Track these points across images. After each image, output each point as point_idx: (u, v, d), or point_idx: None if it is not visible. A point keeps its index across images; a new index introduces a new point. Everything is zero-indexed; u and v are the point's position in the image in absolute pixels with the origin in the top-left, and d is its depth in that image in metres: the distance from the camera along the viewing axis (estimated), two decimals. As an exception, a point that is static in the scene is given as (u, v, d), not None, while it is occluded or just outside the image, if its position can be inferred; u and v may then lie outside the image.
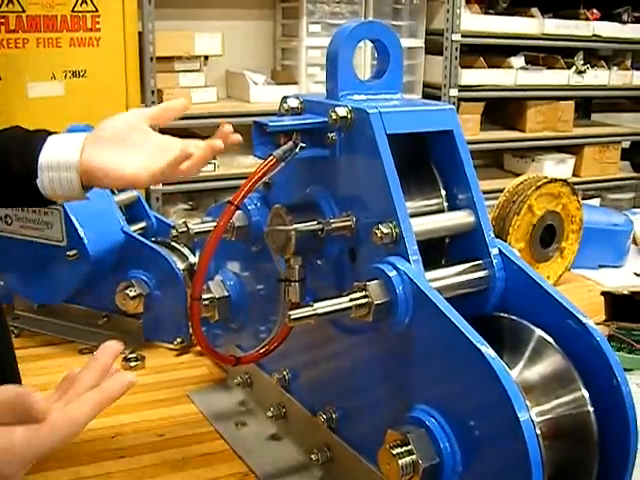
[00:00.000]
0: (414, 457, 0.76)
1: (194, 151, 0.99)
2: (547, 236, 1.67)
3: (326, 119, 0.88)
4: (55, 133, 1.02)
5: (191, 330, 1.35)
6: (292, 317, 0.79)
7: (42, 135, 1.01)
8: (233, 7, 3.81)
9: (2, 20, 2.80)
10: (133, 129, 1.02)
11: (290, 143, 0.89)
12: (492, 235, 0.90)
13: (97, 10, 2.96)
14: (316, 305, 0.81)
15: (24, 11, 2.84)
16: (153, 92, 3.25)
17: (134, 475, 1.04)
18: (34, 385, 1.28)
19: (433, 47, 4.05)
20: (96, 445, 1.11)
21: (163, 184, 3.34)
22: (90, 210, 1.38)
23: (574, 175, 4.44)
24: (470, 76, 4.08)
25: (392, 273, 0.81)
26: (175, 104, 1.08)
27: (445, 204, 0.93)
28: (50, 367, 1.36)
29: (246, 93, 3.64)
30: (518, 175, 1.86)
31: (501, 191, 1.66)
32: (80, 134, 1.00)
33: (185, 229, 1.08)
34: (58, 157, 0.97)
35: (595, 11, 4.39)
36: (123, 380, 0.71)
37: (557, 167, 4.37)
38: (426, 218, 0.89)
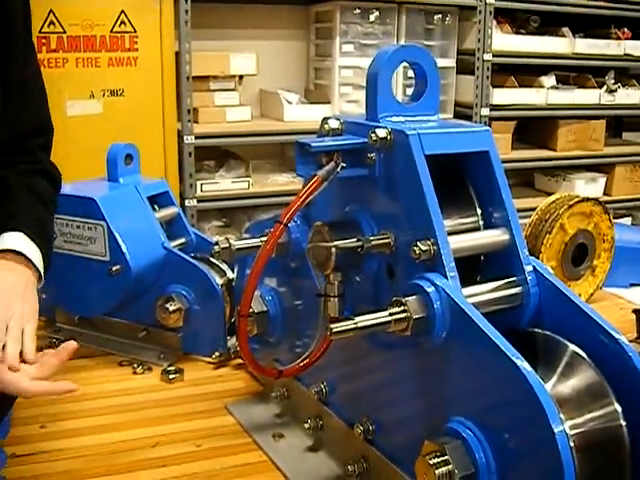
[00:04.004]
0: (450, 467, 0.78)
1: None
2: (579, 255, 1.68)
3: (366, 140, 0.91)
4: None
5: (237, 344, 1.39)
6: (334, 330, 0.82)
7: (20, 228, 1.13)
8: (267, 28, 3.86)
9: (44, 40, 2.87)
10: None
11: (332, 163, 0.92)
12: (527, 253, 0.92)
13: (135, 31, 3.02)
14: (357, 319, 0.83)
15: (65, 32, 2.91)
16: (189, 111, 3.30)
17: (174, 484, 1.06)
18: (71, 396, 1.31)
19: (464, 67, 4.07)
20: (137, 454, 1.14)
21: (198, 201, 3.39)
22: (132, 226, 1.42)
23: (605, 194, 4.43)
24: (501, 95, 4.09)
25: (430, 289, 0.83)
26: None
27: (481, 222, 0.95)
28: (90, 378, 1.39)
29: (280, 112, 3.68)
30: (549, 194, 1.87)
31: (532, 210, 1.67)
32: None
33: (227, 245, 1.11)
34: None
35: (626, 30, 4.39)
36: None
37: (588, 186, 4.36)
38: (462, 236, 0.91)
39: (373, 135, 0.90)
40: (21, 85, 1.17)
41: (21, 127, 1.19)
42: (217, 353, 1.43)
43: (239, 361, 1.43)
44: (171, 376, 1.37)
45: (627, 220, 4.39)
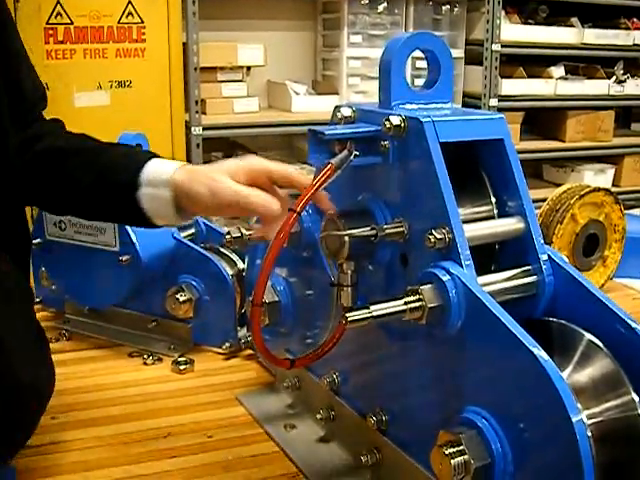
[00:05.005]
0: (466, 457, 0.77)
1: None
2: (590, 245, 1.68)
3: (380, 127, 0.90)
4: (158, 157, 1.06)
5: (248, 334, 1.39)
6: (349, 319, 0.81)
7: (148, 153, 1.07)
8: (275, 18, 3.85)
9: (51, 32, 2.85)
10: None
11: (345, 151, 0.91)
12: (542, 241, 0.91)
13: (143, 21, 3.00)
14: (372, 308, 0.82)
15: (72, 23, 2.89)
16: (197, 102, 3.29)
17: (185, 475, 1.06)
18: (81, 387, 1.31)
19: (473, 57, 4.05)
20: (148, 445, 1.14)
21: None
22: (142, 216, 1.42)
23: (614, 185, 4.41)
24: (510, 86, 4.08)
25: (445, 277, 0.82)
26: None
27: (495, 211, 0.94)
28: (99, 370, 1.39)
29: (288, 103, 3.67)
30: (558, 185, 1.86)
31: (541, 201, 1.66)
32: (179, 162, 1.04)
33: (239, 234, 1.10)
34: (157, 174, 1.01)
35: (635, 20, 4.37)
36: None
37: (597, 177, 4.35)
38: (477, 224, 0.91)
39: (387, 123, 0.88)
40: (17, 55, 1.16)
41: (31, 96, 1.18)
42: (227, 344, 1.43)
43: (249, 352, 1.43)
44: (181, 367, 1.37)
45: (636, 211, 4.37)
